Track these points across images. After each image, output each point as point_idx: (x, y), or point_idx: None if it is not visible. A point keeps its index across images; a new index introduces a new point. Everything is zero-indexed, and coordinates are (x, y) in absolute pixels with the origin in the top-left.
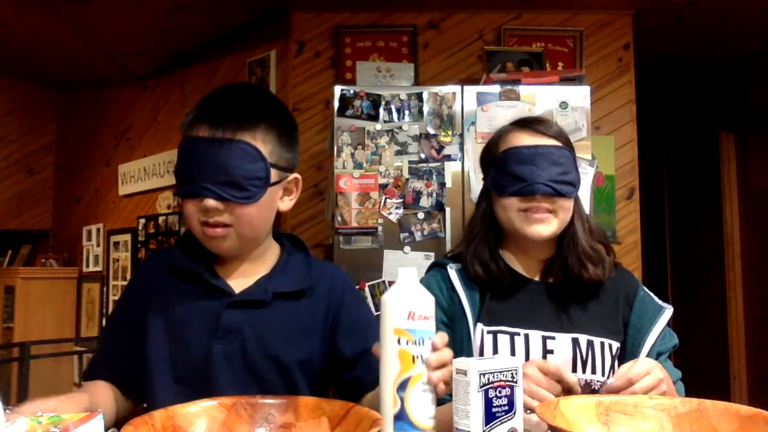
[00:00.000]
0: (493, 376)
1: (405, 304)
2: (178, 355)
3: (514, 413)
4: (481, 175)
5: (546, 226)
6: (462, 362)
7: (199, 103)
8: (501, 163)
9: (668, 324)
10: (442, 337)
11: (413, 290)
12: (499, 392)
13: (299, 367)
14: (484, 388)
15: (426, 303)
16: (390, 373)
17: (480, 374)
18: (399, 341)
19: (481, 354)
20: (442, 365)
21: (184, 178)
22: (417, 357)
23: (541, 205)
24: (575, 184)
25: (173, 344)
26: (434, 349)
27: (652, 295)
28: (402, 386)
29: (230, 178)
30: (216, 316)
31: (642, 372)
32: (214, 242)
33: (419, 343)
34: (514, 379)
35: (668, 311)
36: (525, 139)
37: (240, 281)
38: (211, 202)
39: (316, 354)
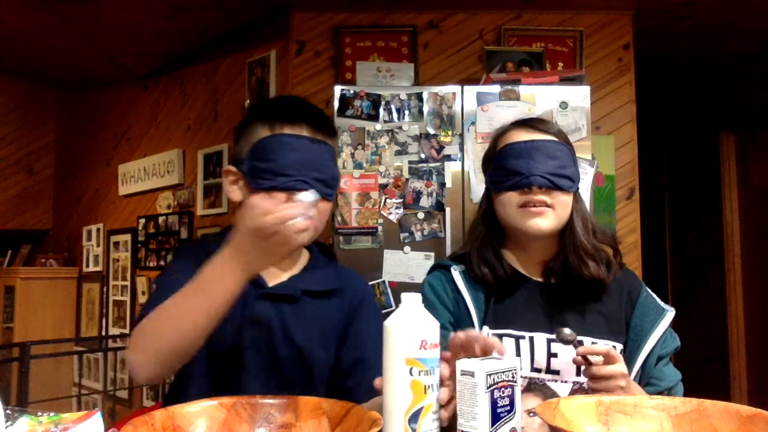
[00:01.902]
0: (498, 377)
1: (417, 332)
2: (212, 336)
3: (514, 413)
4: (481, 176)
5: (544, 219)
6: (468, 363)
7: (278, 104)
8: (498, 160)
9: (669, 325)
10: (448, 369)
11: (421, 317)
12: (503, 392)
13: (320, 364)
14: (491, 388)
15: (435, 330)
16: (400, 404)
17: (487, 375)
18: (411, 372)
19: None
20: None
21: (276, 171)
22: (429, 387)
23: (538, 198)
24: (573, 179)
25: None
26: (442, 382)
27: (654, 296)
28: (414, 417)
29: (323, 176)
30: (248, 305)
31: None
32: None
33: (431, 373)
34: (514, 379)
35: (670, 314)
36: (522, 136)
37: (273, 279)
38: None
39: (334, 354)
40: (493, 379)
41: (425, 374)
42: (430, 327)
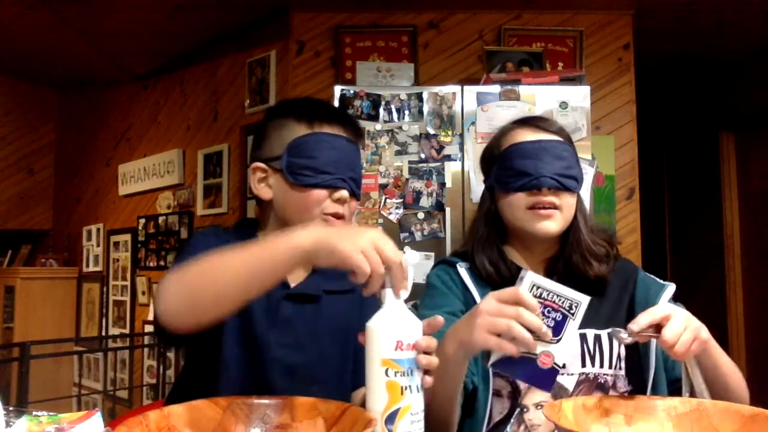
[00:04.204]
0: (547, 294)
1: (392, 333)
2: (245, 334)
3: (559, 340)
4: (481, 176)
5: (552, 222)
6: (524, 271)
7: (313, 104)
8: (505, 160)
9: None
10: (433, 321)
11: (401, 317)
12: (548, 312)
13: (345, 362)
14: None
15: (415, 330)
16: (377, 404)
17: (533, 285)
18: (387, 372)
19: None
20: (430, 351)
21: (317, 169)
22: (406, 388)
23: (546, 199)
24: (579, 180)
25: (241, 321)
26: (424, 332)
27: (651, 276)
28: (390, 418)
29: (356, 176)
30: (274, 306)
31: (660, 316)
32: None
33: (408, 374)
34: (572, 310)
35: (671, 287)
36: (528, 135)
37: (294, 278)
38: (346, 194)
39: (353, 350)
40: (540, 293)
41: (401, 375)
42: (409, 328)
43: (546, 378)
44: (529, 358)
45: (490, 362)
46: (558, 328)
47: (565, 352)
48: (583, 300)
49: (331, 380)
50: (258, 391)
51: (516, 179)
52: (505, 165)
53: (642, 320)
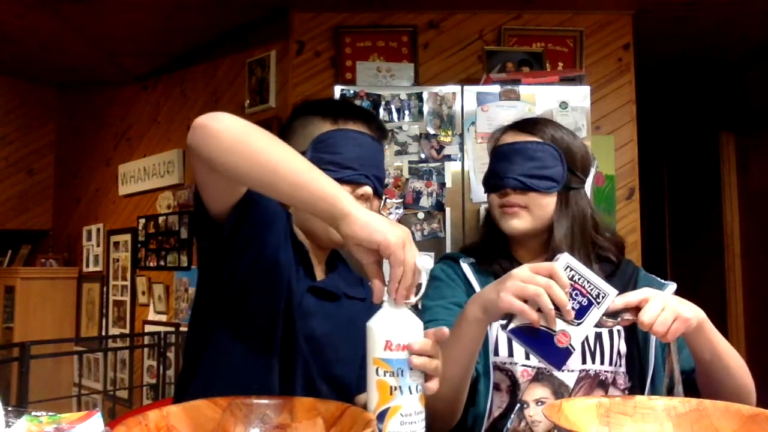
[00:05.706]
0: (578, 278)
1: (383, 332)
2: (271, 326)
3: (581, 324)
4: (480, 176)
5: (518, 220)
6: (561, 253)
7: (335, 102)
8: (489, 163)
9: None
10: (439, 332)
11: (396, 317)
12: (575, 295)
13: (358, 365)
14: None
15: (409, 331)
16: (371, 403)
17: (568, 266)
18: (377, 371)
19: (496, 348)
20: (424, 354)
21: (342, 164)
22: (395, 389)
23: (511, 199)
24: (555, 179)
25: (278, 299)
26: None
27: (652, 275)
28: (380, 417)
29: (380, 174)
30: (299, 298)
31: (637, 299)
32: None
33: (398, 375)
34: (598, 299)
35: (672, 286)
36: (507, 139)
37: (315, 270)
38: (369, 190)
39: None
40: (572, 275)
41: (391, 375)
42: (402, 328)
43: (559, 356)
44: (547, 333)
45: (509, 328)
46: (581, 313)
47: (581, 337)
48: (611, 292)
49: (344, 381)
50: (283, 384)
51: (490, 181)
52: (489, 168)
53: (617, 302)
